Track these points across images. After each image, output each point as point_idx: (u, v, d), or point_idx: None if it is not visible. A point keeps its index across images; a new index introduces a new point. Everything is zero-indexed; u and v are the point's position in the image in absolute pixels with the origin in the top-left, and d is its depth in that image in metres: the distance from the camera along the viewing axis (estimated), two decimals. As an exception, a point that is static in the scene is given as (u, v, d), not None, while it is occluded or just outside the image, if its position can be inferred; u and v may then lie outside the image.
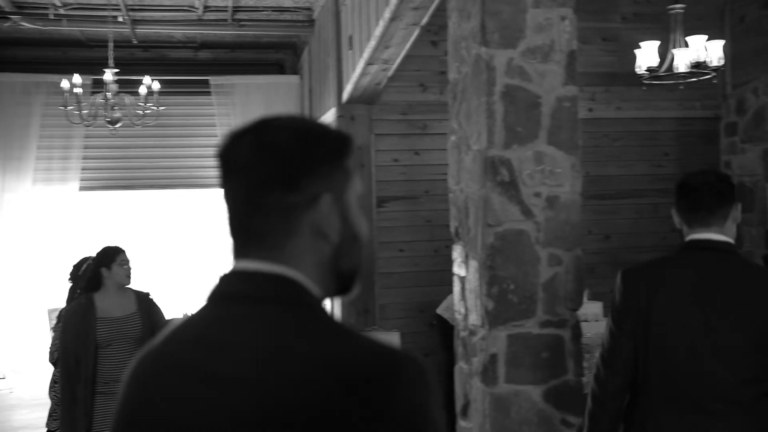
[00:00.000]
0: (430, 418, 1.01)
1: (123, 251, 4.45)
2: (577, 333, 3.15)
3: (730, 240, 2.33)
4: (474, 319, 3.19)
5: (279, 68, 9.08)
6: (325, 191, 1.08)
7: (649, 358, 2.27)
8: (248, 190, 1.06)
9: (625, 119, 6.99)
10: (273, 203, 1.06)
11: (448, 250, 3.57)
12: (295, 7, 7.37)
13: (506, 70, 3.05)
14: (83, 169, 8.30)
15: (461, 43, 3.24)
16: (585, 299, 6.05)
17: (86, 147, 8.23)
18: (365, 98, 6.29)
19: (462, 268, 3.34)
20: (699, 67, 5.01)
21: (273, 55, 9.00)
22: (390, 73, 5.77)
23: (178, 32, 7.86)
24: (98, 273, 4.37)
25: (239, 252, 1.10)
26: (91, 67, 7.40)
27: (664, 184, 7.04)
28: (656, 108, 7.03)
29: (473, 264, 3.19)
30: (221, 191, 1.11)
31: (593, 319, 5.76)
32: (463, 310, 3.34)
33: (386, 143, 6.57)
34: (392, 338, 6.39)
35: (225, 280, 1.11)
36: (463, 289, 3.34)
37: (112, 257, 4.39)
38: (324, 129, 1.13)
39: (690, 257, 2.32)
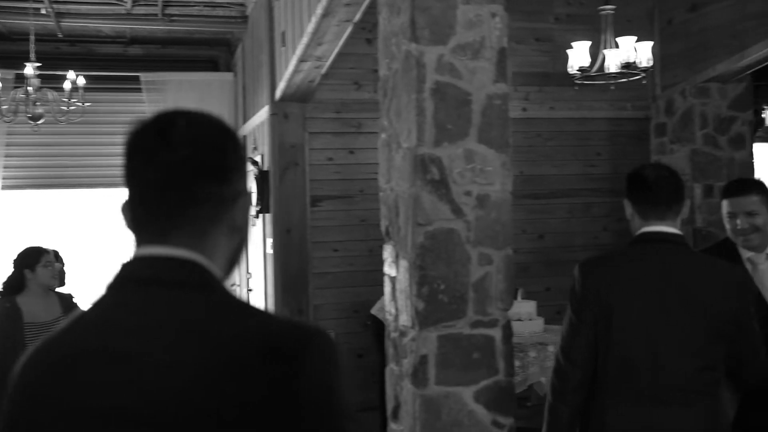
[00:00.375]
0: (339, 389, 1.06)
1: (47, 252, 4.27)
2: (508, 333, 3.13)
3: (680, 233, 2.39)
4: (404, 319, 3.13)
5: (212, 65, 8.90)
6: (244, 188, 1.16)
7: (609, 349, 2.27)
8: (186, 179, 1.09)
9: (558, 119, 7.05)
10: (209, 195, 1.10)
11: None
12: (227, 3, 7.23)
13: (436, 66, 3.00)
14: (6, 167, 8.00)
15: (391, 39, 3.18)
16: (519, 298, 6.08)
17: (8, 144, 7.93)
18: (299, 96, 6.20)
19: (392, 268, 3.29)
20: (629, 67, 5.07)
21: (206, 52, 8.82)
22: (323, 70, 5.69)
23: (106, 26, 7.63)
24: (21, 275, 4.18)
25: (154, 238, 1.11)
26: (14, 60, 7.11)
27: (596, 183, 7.14)
28: (588, 108, 7.11)
29: (403, 264, 3.13)
30: (134, 178, 1.12)
31: (527, 318, 5.79)
32: (393, 311, 3.29)
33: (320, 142, 6.49)
34: (327, 339, 6.30)
35: (133, 265, 1.12)
36: (393, 289, 3.29)
37: (35, 258, 4.21)
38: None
39: (646, 249, 2.34)
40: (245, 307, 1.10)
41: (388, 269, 3.36)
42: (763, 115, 8.08)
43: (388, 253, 3.36)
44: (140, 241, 1.13)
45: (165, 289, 1.08)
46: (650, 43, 5.25)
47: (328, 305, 6.55)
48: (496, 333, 3.10)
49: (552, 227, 7.03)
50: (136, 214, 1.13)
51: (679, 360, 2.24)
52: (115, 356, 1.05)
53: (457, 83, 3.03)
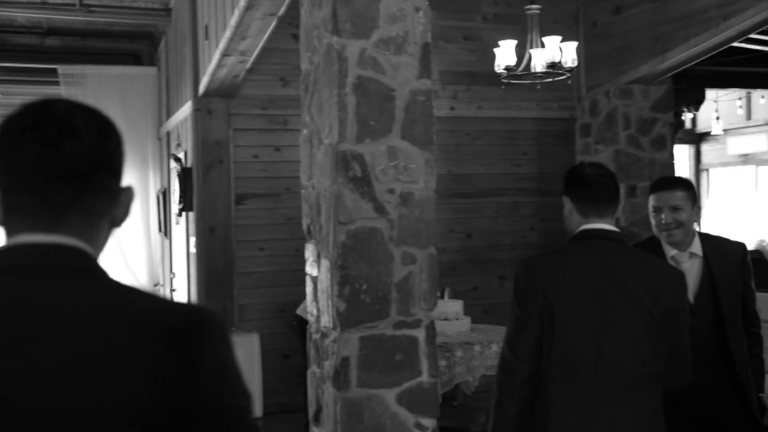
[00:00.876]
0: (235, 365, 1.10)
1: None
2: (431, 333, 3.08)
3: (618, 230, 2.45)
4: (325, 321, 3.05)
5: (135, 59, 8.63)
6: (125, 184, 1.18)
7: (553, 344, 2.28)
8: (87, 170, 1.11)
9: (486, 118, 7.07)
10: (104, 187, 1.13)
11: (303, 249, 3.42)
12: (150, -6, 7.01)
13: (358, 61, 2.93)
14: None
15: (313, 33, 3.09)
16: (446, 297, 6.06)
17: None
18: (223, 91, 6.04)
19: (314, 267, 3.20)
20: (554, 67, 5.09)
21: (128, 45, 8.54)
22: (248, 65, 5.56)
23: (20, 15, 7.31)
24: None
25: (41, 226, 1.11)
26: None
27: (523, 183, 7.18)
28: (516, 108, 7.15)
29: (325, 263, 3.05)
30: (15, 167, 1.10)
31: (454, 317, 5.77)
32: (315, 312, 3.20)
33: (245, 139, 6.34)
34: (252, 340, 6.18)
35: (17, 252, 1.11)
36: (315, 289, 3.20)
37: None
38: None
39: (587, 246, 2.37)
40: (137, 291, 1.13)
41: (310, 269, 3.28)
42: (683, 118, 8.27)
43: (309, 252, 3.28)
44: (18, 230, 1.11)
45: (59, 275, 1.09)
46: (575, 44, 5.30)
47: (253, 305, 6.41)
48: (420, 334, 3.04)
49: (479, 226, 7.04)
50: (13, 202, 1.11)
51: (620, 355, 2.27)
52: (9, 344, 1.03)
53: (380, 78, 2.97)
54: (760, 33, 6.76)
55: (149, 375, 1.03)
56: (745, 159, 11.19)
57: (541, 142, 7.27)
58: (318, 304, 3.15)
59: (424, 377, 3.04)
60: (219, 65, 5.45)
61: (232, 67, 5.53)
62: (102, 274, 1.12)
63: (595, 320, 2.27)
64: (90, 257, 1.13)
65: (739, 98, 10.62)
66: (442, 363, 5.59)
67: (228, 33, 4.87)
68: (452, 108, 6.96)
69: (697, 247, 2.93)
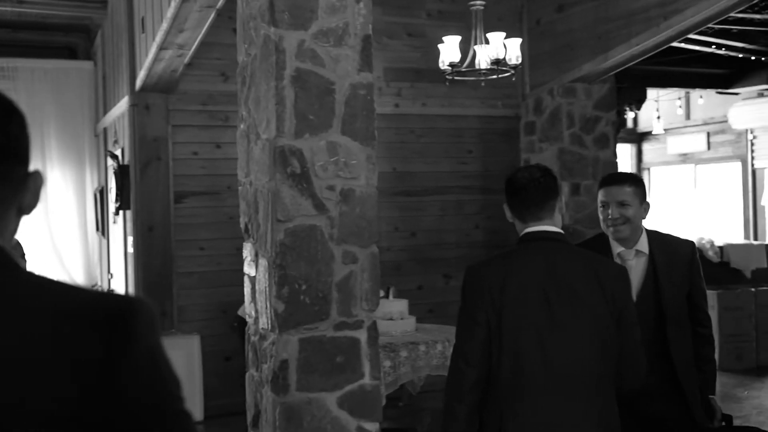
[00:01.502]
0: (164, 354, 1.06)
1: None
2: (373, 335, 3.00)
3: (561, 230, 2.43)
4: (264, 322, 2.94)
5: (71, 53, 8.36)
6: (33, 169, 1.10)
7: (502, 347, 2.28)
8: None
9: (431, 116, 7.01)
10: (8, 172, 1.06)
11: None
12: (85, -14, 6.78)
13: (297, 52, 2.83)
14: None
15: (249, 23, 2.98)
16: (390, 296, 5.99)
17: None
18: (161, 86, 5.86)
19: (252, 267, 3.09)
20: (499, 64, 5.06)
21: (63, 38, 8.26)
22: (186, 59, 5.40)
23: (-53, 6, 6.99)
24: None
25: None
26: None
27: (468, 181, 7.15)
28: (460, 105, 7.11)
29: (263, 263, 2.94)
30: None
31: (398, 317, 5.70)
32: (253, 313, 3.09)
33: (185, 135, 6.17)
34: (192, 342, 6.02)
35: None
36: (253, 290, 3.09)
37: None
38: None
39: (530, 248, 2.38)
40: (58, 283, 1.07)
41: (248, 268, 3.16)
42: (625, 117, 8.35)
43: (247, 251, 3.16)
44: None
45: None
46: (519, 40, 5.27)
47: (194, 306, 6.24)
48: (362, 335, 2.95)
49: (424, 225, 6.99)
50: None
51: (568, 355, 2.28)
52: None
53: (319, 71, 2.87)
54: (698, 33, 6.86)
55: (71, 367, 0.98)
56: (685, 158, 11.39)
57: (485, 140, 7.25)
58: (256, 305, 3.04)
59: (366, 380, 2.96)
60: (156, 59, 5.28)
61: (170, 61, 5.36)
62: (14, 266, 1.05)
63: (541, 322, 2.27)
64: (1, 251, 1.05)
65: (679, 98, 10.80)
66: (387, 363, 5.52)
67: (165, 25, 4.71)
68: (396, 105, 6.88)
69: (643, 244, 2.89)
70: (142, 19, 5.49)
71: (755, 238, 10.06)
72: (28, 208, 1.12)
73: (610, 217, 2.86)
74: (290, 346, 2.83)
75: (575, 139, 6.88)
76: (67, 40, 8.28)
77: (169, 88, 5.91)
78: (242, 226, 3.16)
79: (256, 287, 3.03)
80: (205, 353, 5.98)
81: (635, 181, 2.96)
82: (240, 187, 3.17)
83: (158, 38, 4.92)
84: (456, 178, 7.09)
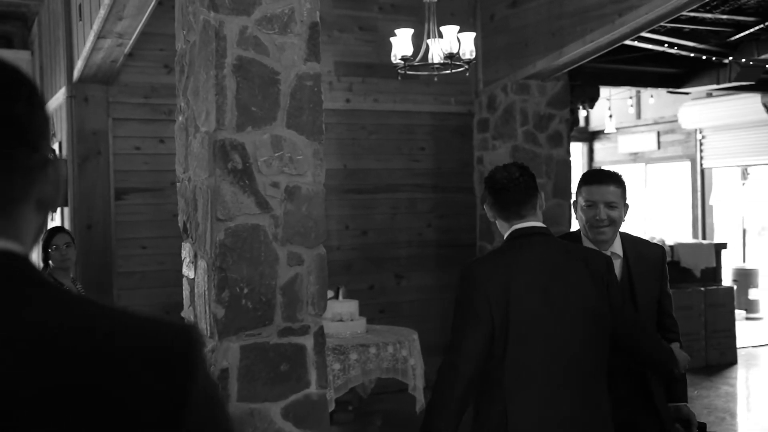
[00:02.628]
0: (219, 390, 0.94)
1: (60, 234, 4.42)
2: (320, 341, 2.82)
3: (545, 225, 2.45)
4: (203, 328, 2.75)
5: (6, 42, 7.99)
6: (52, 155, 0.93)
7: (508, 340, 2.28)
8: None
9: (383, 112, 6.86)
10: (17, 163, 0.87)
11: (178, 248, 3.10)
12: (20, -28, 6.46)
13: (238, 40, 2.64)
14: None
15: (188, 8, 2.78)
16: (340, 297, 5.83)
17: None
18: (101, 77, 5.60)
19: (190, 269, 2.90)
20: (452, 58, 4.92)
21: (-2, 27, 7.90)
22: (127, 49, 5.15)
23: None
24: (45, 254, 4.35)
25: None
26: None
27: (420, 179, 7.01)
28: (413, 102, 6.97)
29: (202, 264, 2.75)
30: None
31: (348, 318, 5.54)
32: (192, 318, 2.89)
33: (126, 129, 5.91)
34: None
35: None
36: (192, 293, 2.90)
37: (48, 239, 4.32)
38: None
39: (522, 243, 2.39)
40: (95, 304, 0.86)
41: (187, 270, 2.97)
42: (578, 115, 8.31)
43: (186, 252, 2.97)
44: None
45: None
46: (473, 34, 5.15)
47: (135, 307, 5.98)
48: (308, 341, 2.78)
49: (376, 223, 6.83)
50: None
51: (569, 346, 2.32)
52: None
53: (263, 60, 2.69)
54: (651, 32, 6.83)
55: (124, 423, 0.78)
56: (635, 157, 11.45)
57: (438, 137, 7.12)
58: (195, 310, 2.85)
59: (313, 388, 2.79)
60: (94, 48, 5.03)
61: (110, 50, 5.11)
62: (41, 282, 0.85)
63: (544, 315, 2.31)
64: (20, 260, 0.85)
65: (630, 97, 10.84)
66: (336, 366, 5.35)
67: (102, 13, 4.47)
68: (347, 100, 6.71)
69: (618, 247, 2.77)
70: (80, 6, 5.22)
71: (704, 238, 10.15)
72: (50, 203, 0.92)
73: (597, 218, 2.69)
74: (231, 353, 2.65)
75: (529, 136, 6.80)
76: (3, 29, 7.91)
77: (109, 79, 5.65)
78: (180, 225, 2.96)
79: (195, 290, 2.83)
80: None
81: (620, 180, 2.80)
82: (178, 184, 2.97)
83: (96, 26, 4.67)
84: (408, 176, 6.95)
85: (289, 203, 2.72)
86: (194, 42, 2.75)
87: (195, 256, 2.82)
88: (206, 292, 2.69)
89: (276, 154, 2.69)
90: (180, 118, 2.91)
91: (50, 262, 4.39)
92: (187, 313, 2.92)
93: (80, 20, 5.22)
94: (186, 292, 2.96)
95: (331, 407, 5.35)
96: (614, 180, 2.77)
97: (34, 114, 0.90)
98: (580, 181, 2.82)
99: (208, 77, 2.63)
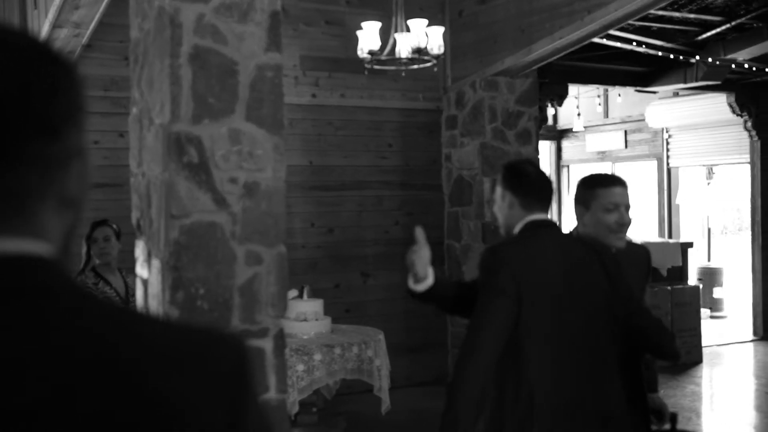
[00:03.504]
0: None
1: (102, 226, 4.32)
2: (280, 344, 2.71)
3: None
4: (156, 330, 2.61)
5: (-39, 32, 7.74)
6: (80, 146, 0.80)
7: (530, 324, 2.29)
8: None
9: (350, 107, 6.75)
10: (31, 155, 0.75)
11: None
12: (-26, -41, 6.23)
13: (195, 27, 2.51)
14: None
15: (142, -7, 2.65)
16: (305, 296, 5.70)
17: None
18: (57, 69, 5.40)
19: (144, 268, 2.76)
20: (420, 53, 4.83)
21: (-47, 16, 7.65)
22: (84, 40, 4.98)
23: None
24: (88, 247, 4.27)
25: None
26: None
27: (387, 176, 6.91)
28: (380, 98, 6.87)
29: (156, 264, 2.62)
30: None
31: (313, 317, 5.42)
32: (145, 320, 2.75)
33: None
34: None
35: None
36: (145, 294, 2.76)
37: (90, 231, 4.26)
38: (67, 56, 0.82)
39: (542, 234, 2.43)
40: (134, 313, 0.84)
41: (140, 270, 2.83)
42: (547, 112, 8.27)
43: (140, 250, 2.83)
44: None
45: (33, 300, 0.73)
46: (441, 29, 5.06)
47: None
48: (267, 344, 2.67)
49: (342, 221, 6.72)
50: None
51: (588, 334, 2.36)
52: None
53: (221, 49, 2.56)
54: (619, 29, 6.80)
55: None
56: (603, 156, 11.46)
57: (406, 133, 7.02)
58: (149, 312, 2.71)
59: (272, 394, 2.68)
60: (50, 38, 4.84)
61: (66, 41, 4.94)
62: (76, 292, 0.76)
63: (567, 302, 2.33)
64: (43, 263, 0.75)
65: (598, 96, 10.85)
66: (300, 367, 5.24)
67: (58, 1, 4.30)
68: (314, 95, 6.59)
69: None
70: (35, -5, 5.04)
71: (670, 237, 10.19)
72: (75, 199, 0.81)
73: (621, 222, 2.63)
74: (185, 357, 2.52)
75: (497, 134, 6.74)
76: (-43, 19, 7.66)
77: (66, 71, 5.46)
78: (134, 222, 2.83)
79: (149, 291, 2.70)
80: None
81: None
82: (132, 179, 2.84)
83: (51, 15, 4.50)
84: (375, 173, 6.85)
85: (248, 200, 2.60)
86: (149, 30, 2.62)
87: (148, 254, 2.69)
88: (160, 293, 2.56)
89: (234, 148, 2.57)
90: (134, 110, 2.78)
91: (92, 256, 4.29)
92: (140, 315, 2.79)
93: (35, 9, 5.04)
94: (140, 292, 2.83)
95: (295, 409, 5.23)
96: (624, 183, 2.75)
97: (60, 96, 0.78)
98: (590, 184, 2.73)
99: (163, 67, 2.50)
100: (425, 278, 2.48)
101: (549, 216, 2.49)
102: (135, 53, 2.76)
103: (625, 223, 2.65)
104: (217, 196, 2.56)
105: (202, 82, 2.53)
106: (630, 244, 2.86)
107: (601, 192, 2.66)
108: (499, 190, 2.52)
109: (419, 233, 2.45)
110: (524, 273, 2.31)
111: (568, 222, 10.36)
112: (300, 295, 5.71)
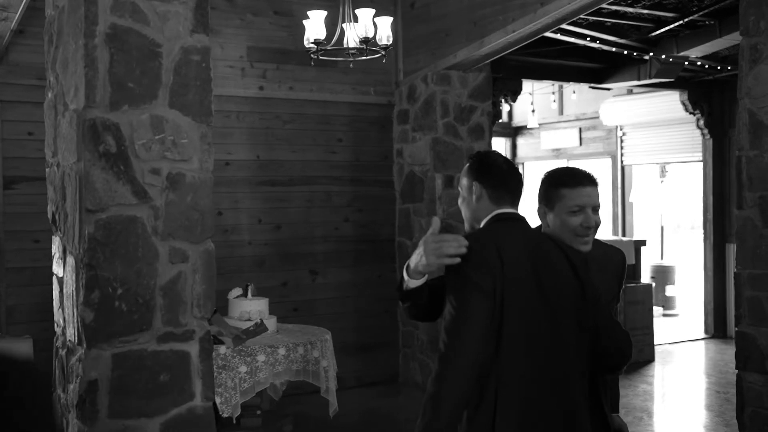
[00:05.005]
0: None
1: None
2: (207, 347, 2.53)
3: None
4: (71, 333, 2.42)
5: None
6: None
7: (503, 325, 2.12)
8: None
9: (298, 101, 6.55)
10: None
11: (49, 242, 2.75)
12: None
13: (113, 5, 2.32)
14: None
15: (56, -32, 2.44)
16: (250, 294, 5.50)
17: None
18: (-14, 56, 5.14)
19: (59, 265, 2.56)
20: (368, 43, 4.67)
21: None
22: (13, 25, 4.72)
23: None
24: None
25: None
26: None
27: (337, 171, 6.74)
28: (330, 91, 6.69)
29: (70, 261, 2.42)
30: None
31: (258, 317, 5.22)
32: (61, 322, 2.56)
33: (17, 113, 5.45)
34: (23, 346, 5.33)
35: None
36: (61, 293, 2.56)
37: None
38: None
39: (510, 227, 2.28)
40: None
41: (56, 267, 2.63)
42: (500, 108, 8.17)
43: (55, 246, 2.62)
44: None
45: None
46: (390, 19, 4.90)
47: (25, 306, 5.54)
48: (192, 348, 2.48)
49: (290, 217, 6.52)
50: None
51: (562, 335, 2.20)
52: None
53: (142, 30, 2.37)
54: (573, 24, 6.71)
55: None
56: (558, 153, 11.43)
57: (356, 128, 6.85)
58: (64, 313, 2.52)
59: (198, 401, 2.49)
60: (-24, 22, 4.58)
61: (-6, 25, 4.68)
62: None
63: (537, 300, 2.18)
64: None
65: (553, 93, 10.80)
66: (243, 369, 5.04)
67: (-18, -19, 4.05)
68: (261, 88, 6.38)
69: None
70: (-39, -24, 4.76)
71: (624, 235, 10.18)
72: None
73: (586, 225, 2.42)
74: (101, 363, 2.33)
75: (449, 129, 6.60)
76: None
77: (-4, 58, 5.19)
78: (49, 216, 2.62)
79: (64, 290, 2.50)
80: (39, 359, 5.30)
81: (596, 181, 2.52)
82: (47, 169, 2.62)
83: (-24, -3, 4.24)
84: (324, 168, 6.66)
85: (172, 193, 2.42)
86: (63, 7, 2.41)
87: (64, 251, 2.49)
88: (74, 293, 2.36)
89: (156, 137, 2.38)
90: (49, 95, 2.57)
91: None
92: (57, 316, 2.59)
93: (-39, -9, 4.76)
94: (56, 292, 2.62)
95: (237, 412, 5.03)
96: (594, 181, 2.50)
97: None
98: (555, 182, 2.50)
99: (77, 47, 2.30)
100: (425, 273, 2.25)
101: (515, 210, 2.32)
102: (49, 33, 2.55)
103: (591, 226, 2.44)
104: (138, 189, 2.37)
105: (121, 64, 2.33)
106: (604, 246, 2.66)
107: (566, 192, 2.45)
108: (465, 181, 2.33)
109: (436, 222, 2.24)
110: (497, 267, 2.13)
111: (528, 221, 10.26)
112: (244, 294, 5.51)
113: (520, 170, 12.03)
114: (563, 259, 2.26)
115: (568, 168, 2.58)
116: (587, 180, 2.49)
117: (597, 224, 2.48)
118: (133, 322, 2.38)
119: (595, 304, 2.29)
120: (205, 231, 2.50)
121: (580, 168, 2.53)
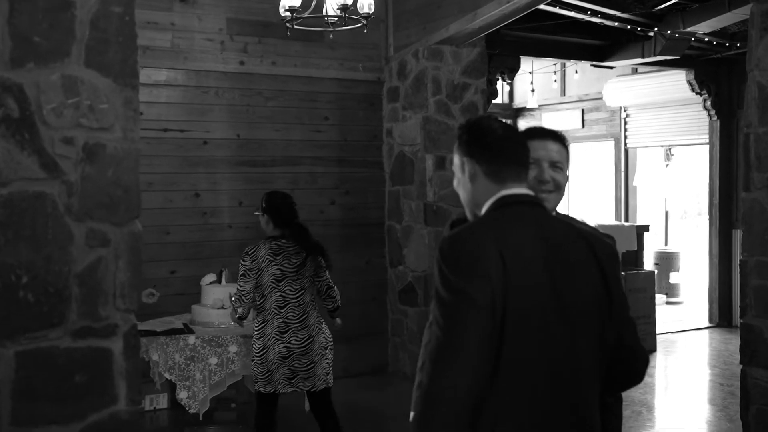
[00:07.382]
0: None
1: None
2: (133, 343, 2.21)
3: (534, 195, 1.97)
4: (-28, 328, 2.10)
5: None
6: None
7: (503, 343, 1.71)
8: None
9: (282, 77, 6.22)
10: None
11: None
12: None
13: (14, -55, 1.99)
14: None
15: None
16: (223, 281, 5.20)
17: None
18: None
19: (-35, 250, 2.23)
20: (347, 11, 4.32)
21: None
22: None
23: None
24: None
25: None
26: None
27: (323, 151, 6.41)
28: (316, 67, 6.35)
29: (-29, 245, 2.10)
30: None
31: (229, 306, 4.91)
32: (-31, 314, 2.24)
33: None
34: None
35: None
36: (-33, 282, 2.24)
37: None
38: None
39: (518, 215, 1.86)
40: None
41: (-35, 252, 2.30)
42: (497, 87, 7.81)
43: (-36, 228, 2.30)
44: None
45: None
46: (371, -15, 4.55)
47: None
48: (115, 344, 2.17)
49: (273, 199, 6.19)
50: None
51: (578, 354, 1.81)
52: None
53: (51, -25, 2.04)
54: (573, -3, 6.35)
55: None
56: (559, 136, 11.08)
57: (344, 106, 6.51)
58: (-31, 304, 2.20)
59: (122, 405, 2.19)
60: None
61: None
62: None
63: (548, 308, 1.78)
64: None
65: (554, 72, 10.43)
66: (213, 361, 4.73)
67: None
68: (242, 62, 6.05)
69: None
70: None
71: (626, 220, 9.84)
72: None
73: (540, 179, 2.14)
74: (3, 363, 2.03)
75: (441, 107, 6.25)
76: None
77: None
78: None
79: (-32, 278, 2.18)
80: None
81: (565, 141, 2.25)
82: (-46, 140, 2.29)
83: None
84: (309, 148, 6.33)
85: (89, 166, 2.11)
86: (-40, -51, 2.07)
87: (-33, 233, 2.16)
88: (-26, 281, 2.05)
89: (70, 101, 2.07)
90: (-48, 54, 2.23)
91: None
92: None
93: None
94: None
95: (206, 407, 4.74)
96: (559, 138, 2.21)
97: None
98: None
99: (-28, -5, 1.97)
100: None
101: (526, 188, 1.91)
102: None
103: (545, 181, 2.15)
104: (46, 160, 2.05)
105: (24, 15, 2.01)
106: (593, 232, 2.35)
107: None
108: (456, 158, 1.96)
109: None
110: (498, 272, 1.72)
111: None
112: (218, 280, 5.21)
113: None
114: (590, 256, 1.86)
115: (534, 125, 2.32)
116: (546, 133, 2.18)
117: (557, 182, 2.17)
118: (42, 315, 2.07)
119: (622, 318, 1.91)
120: (131, 211, 2.18)
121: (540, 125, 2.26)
